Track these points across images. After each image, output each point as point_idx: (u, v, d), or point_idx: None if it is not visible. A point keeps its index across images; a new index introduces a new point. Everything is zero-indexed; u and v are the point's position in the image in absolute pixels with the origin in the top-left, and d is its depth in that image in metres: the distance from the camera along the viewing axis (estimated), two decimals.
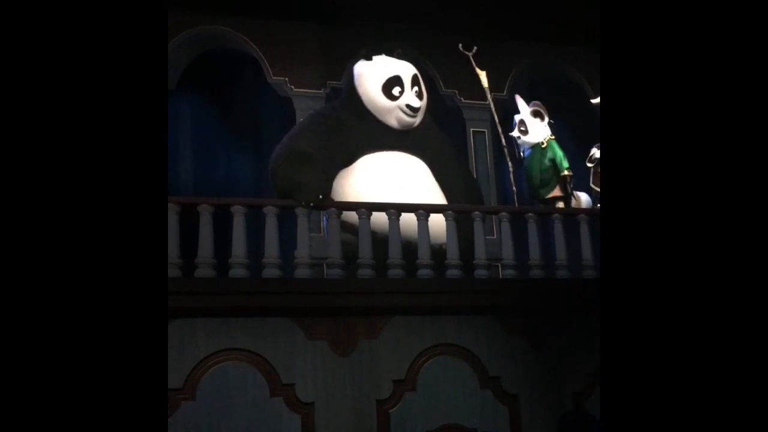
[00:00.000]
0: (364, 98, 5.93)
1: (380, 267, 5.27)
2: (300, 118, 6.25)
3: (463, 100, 6.79)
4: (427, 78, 6.45)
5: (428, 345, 5.19)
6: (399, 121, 5.91)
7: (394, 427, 4.97)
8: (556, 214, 5.87)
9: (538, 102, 6.33)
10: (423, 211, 5.47)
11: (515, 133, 6.34)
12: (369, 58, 6.00)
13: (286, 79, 6.48)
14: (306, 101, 6.42)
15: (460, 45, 6.50)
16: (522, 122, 6.30)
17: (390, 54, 6.07)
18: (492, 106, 6.46)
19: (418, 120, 5.99)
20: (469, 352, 5.24)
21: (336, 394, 4.90)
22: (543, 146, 6.25)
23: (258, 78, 6.64)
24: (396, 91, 5.86)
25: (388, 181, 5.69)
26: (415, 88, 5.97)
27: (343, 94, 6.14)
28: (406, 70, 6.03)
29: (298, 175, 5.34)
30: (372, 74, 5.95)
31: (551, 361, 5.32)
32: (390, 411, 5.00)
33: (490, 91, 6.52)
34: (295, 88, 6.48)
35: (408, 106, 5.85)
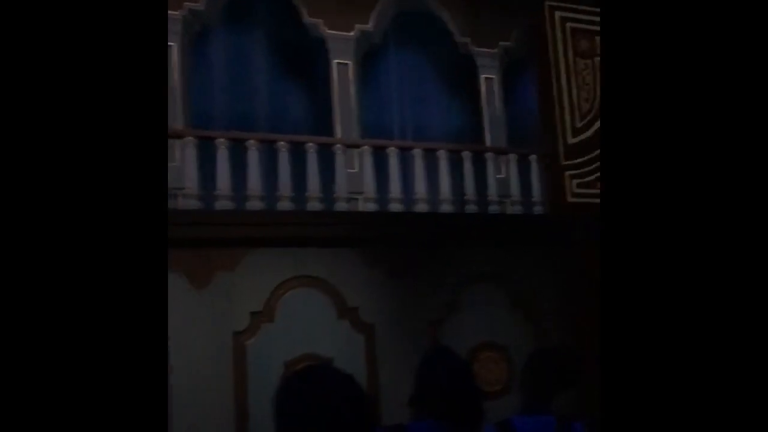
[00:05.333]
0: None
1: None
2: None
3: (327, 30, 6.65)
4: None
5: (287, 277, 5.19)
6: None
7: (251, 359, 4.96)
8: (417, 149, 5.94)
9: None
10: (284, 143, 5.44)
11: None
12: None
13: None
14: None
15: None
16: None
17: None
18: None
19: None
20: (327, 284, 5.28)
21: (192, 327, 4.81)
22: None
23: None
24: None
25: None
26: None
27: None
28: None
29: None
30: None
31: (408, 292, 5.46)
32: (247, 343, 4.99)
33: (354, 24, 6.42)
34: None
35: None
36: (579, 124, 6.08)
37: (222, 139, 5.32)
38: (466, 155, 6.04)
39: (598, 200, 5.96)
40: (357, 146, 5.91)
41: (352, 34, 6.31)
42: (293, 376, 1.66)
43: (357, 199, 5.76)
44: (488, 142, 6.53)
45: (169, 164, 5.34)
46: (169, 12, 6.03)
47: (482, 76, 6.68)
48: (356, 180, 5.80)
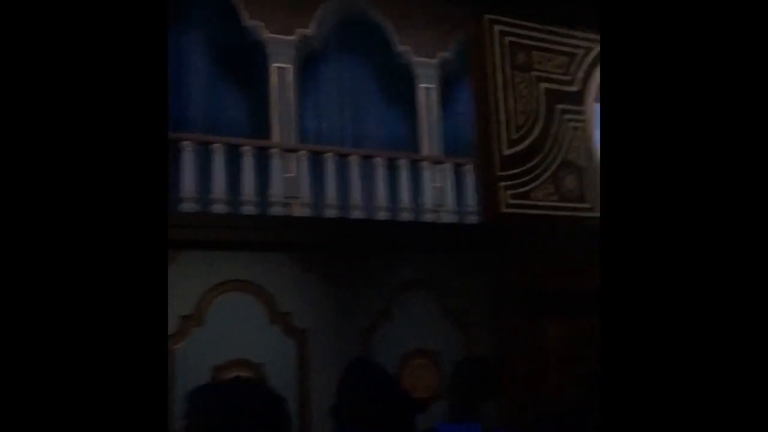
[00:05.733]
0: None
1: None
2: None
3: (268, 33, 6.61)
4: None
5: (219, 280, 5.11)
6: None
7: (179, 363, 4.85)
8: (354, 156, 5.95)
9: None
10: (220, 144, 5.38)
11: None
12: None
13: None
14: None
15: None
16: None
17: None
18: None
19: None
20: (260, 288, 5.23)
21: None
22: None
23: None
24: None
25: None
26: None
27: None
28: None
29: None
30: None
31: (341, 298, 5.45)
32: (175, 347, 4.89)
33: (295, 28, 6.40)
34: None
35: None
36: (515, 136, 6.17)
37: None
38: (403, 163, 6.07)
39: (531, 211, 6.08)
40: (294, 151, 5.88)
41: (292, 38, 6.29)
42: (200, 391, 1.62)
43: (292, 204, 5.73)
44: (425, 150, 6.58)
45: None
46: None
47: (420, 86, 6.74)
48: (292, 185, 5.77)
